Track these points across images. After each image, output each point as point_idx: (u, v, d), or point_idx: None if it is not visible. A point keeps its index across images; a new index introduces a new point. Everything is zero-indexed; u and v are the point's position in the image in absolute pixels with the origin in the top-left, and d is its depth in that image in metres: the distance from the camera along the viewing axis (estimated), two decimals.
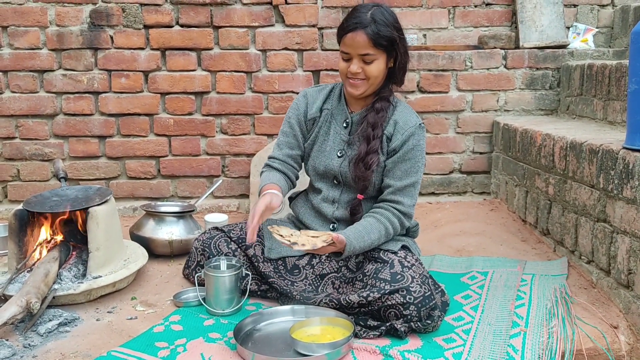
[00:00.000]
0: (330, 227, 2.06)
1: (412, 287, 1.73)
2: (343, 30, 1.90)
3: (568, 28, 3.36)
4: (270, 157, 2.12)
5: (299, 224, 2.15)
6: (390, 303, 1.72)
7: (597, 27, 3.39)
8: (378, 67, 1.91)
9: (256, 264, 2.05)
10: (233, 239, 2.12)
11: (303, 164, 2.16)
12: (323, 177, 2.08)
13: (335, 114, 2.07)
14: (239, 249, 2.09)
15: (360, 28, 1.86)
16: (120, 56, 3.10)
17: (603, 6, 3.42)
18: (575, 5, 3.41)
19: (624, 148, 1.88)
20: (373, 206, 2.01)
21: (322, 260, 2.03)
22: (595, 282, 2.10)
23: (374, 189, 2.01)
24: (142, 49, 3.11)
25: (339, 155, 2.03)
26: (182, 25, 3.12)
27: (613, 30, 3.43)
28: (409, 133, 1.94)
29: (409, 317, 1.71)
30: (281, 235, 1.80)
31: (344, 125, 2.04)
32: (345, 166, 2.00)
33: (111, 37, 3.10)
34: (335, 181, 2.06)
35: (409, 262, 1.87)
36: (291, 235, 1.82)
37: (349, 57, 1.91)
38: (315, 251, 1.80)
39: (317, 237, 1.81)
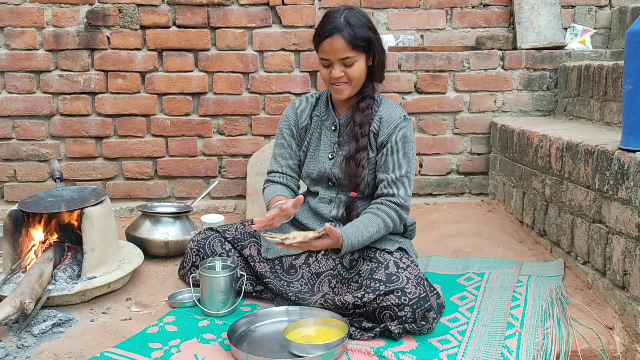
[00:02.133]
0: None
1: (407, 289, 1.73)
2: (320, 38, 1.93)
3: (565, 29, 3.36)
4: (269, 172, 2.15)
5: (297, 224, 2.14)
6: (385, 304, 1.72)
7: (594, 28, 3.39)
8: (359, 68, 1.94)
9: (252, 263, 2.05)
10: (228, 239, 2.11)
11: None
12: (318, 181, 2.10)
13: (324, 120, 2.11)
14: (233, 249, 2.09)
15: (336, 33, 1.89)
16: (116, 57, 3.10)
17: (601, 7, 3.42)
18: (572, 6, 3.41)
19: (619, 149, 1.87)
20: (370, 203, 2.02)
21: (319, 258, 2.03)
22: (591, 283, 2.09)
23: (368, 187, 2.03)
24: (139, 49, 3.11)
25: (330, 157, 2.06)
26: (179, 26, 3.11)
27: (611, 31, 3.42)
28: (394, 126, 1.97)
29: (404, 318, 1.71)
30: (273, 237, 1.80)
31: (333, 128, 2.08)
32: (338, 167, 2.03)
33: (108, 38, 3.09)
34: (330, 182, 2.08)
35: (404, 263, 1.87)
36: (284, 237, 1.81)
37: (329, 63, 1.94)
38: (310, 245, 1.79)
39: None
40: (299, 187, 2.17)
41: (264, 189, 2.14)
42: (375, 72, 2.02)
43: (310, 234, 1.79)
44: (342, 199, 2.06)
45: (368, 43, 1.93)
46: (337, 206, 2.07)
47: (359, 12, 1.96)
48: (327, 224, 1.80)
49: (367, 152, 1.99)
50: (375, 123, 2.00)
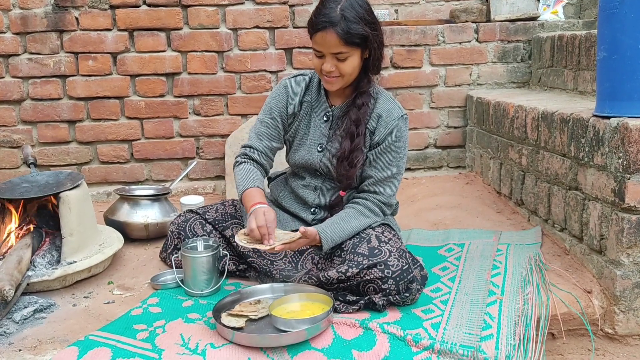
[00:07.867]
0: (311, 211, 2.05)
1: (390, 261, 1.74)
2: (312, 28, 1.82)
3: (538, 0, 3.38)
4: (248, 147, 2.04)
5: (278, 207, 2.12)
6: (368, 278, 1.73)
7: None
8: (352, 63, 1.84)
9: (234, 244, 2.04)
10: (209, 221, 2.10)
11: (285, 155, 2.13)
12: (304, 169, 2.05)
13: (315, 107, 2.01)
14: (214, 231, 2.08)
15: (329, 27, 1.77)
16: (86, 38, 3.03)
17: None
18: None
19: (594, 116, 1.90)
20: (353, 196, 2.00)
21: None
22: (569, 249, 2.14)
23: (355, 181, 2.00)
24: (109, 30, 3.04)
25: (319, 150, 1.99)
26: (149, 5, 3.05)
27: (582, 1, 3.45)
28: (392, 126, 1.92)
29: (388, 290, 1.72)
30: (248, 242, 1.79)
31: (324, 118, 2.00)
32: (326, 160, 1.97)
33: (76, 19, 3.01)
34: (317, 172, 2.04)
35: (386, 237, 1.88)
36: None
37: (321, 55, 1.84)
38: (289, 246, 1.79)
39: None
40: (271, 168, 2.10)
41: (240, 162, 2.02)
42: (371, 65, 1.90)
43: (285, 238, 1.77)
44: (328, 187, 2.03)
45: (364, 39, 1.80)
46: (322, 194, 2.04)
47: (359, 2, 1.81)
48: (302, 228, 1.79)
49: (362, 153, 1.92)
50: (372, 121, 1.94)
